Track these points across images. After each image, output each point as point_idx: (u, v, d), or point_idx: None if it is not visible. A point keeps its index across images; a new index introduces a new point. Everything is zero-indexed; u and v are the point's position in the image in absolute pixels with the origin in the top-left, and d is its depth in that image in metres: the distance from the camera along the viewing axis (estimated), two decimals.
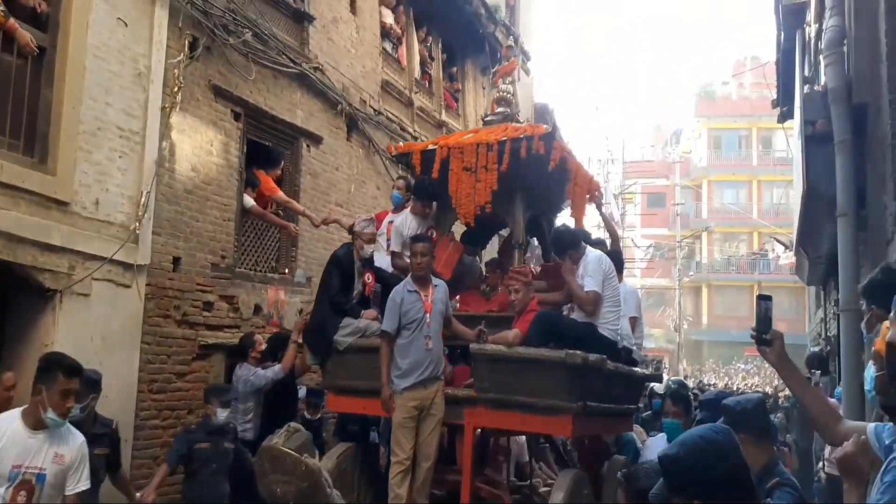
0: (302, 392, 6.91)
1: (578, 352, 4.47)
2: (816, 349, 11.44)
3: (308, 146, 8.21)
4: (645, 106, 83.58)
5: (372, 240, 5.64)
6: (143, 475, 5.75)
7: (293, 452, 4.20)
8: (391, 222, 6.06)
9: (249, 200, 7.29)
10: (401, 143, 7.12)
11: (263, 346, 6.48)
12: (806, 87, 7.60)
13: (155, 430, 6.11)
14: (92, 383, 4.41)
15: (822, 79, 6.32)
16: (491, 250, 7.75)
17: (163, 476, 5.19)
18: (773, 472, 2.72)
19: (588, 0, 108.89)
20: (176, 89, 6.21)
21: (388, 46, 10.34)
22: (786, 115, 11.22)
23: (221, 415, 5.40)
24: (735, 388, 19.06)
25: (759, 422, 2.85)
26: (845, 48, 5.95)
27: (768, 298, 2.37)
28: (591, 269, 5.01)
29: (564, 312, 5.40)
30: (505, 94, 6.25)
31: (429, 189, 5.80)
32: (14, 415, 3.43)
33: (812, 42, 7.92)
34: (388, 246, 5.94)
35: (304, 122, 8.09)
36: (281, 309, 7.55)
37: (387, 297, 5.14)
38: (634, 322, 5.92)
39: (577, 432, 4.86)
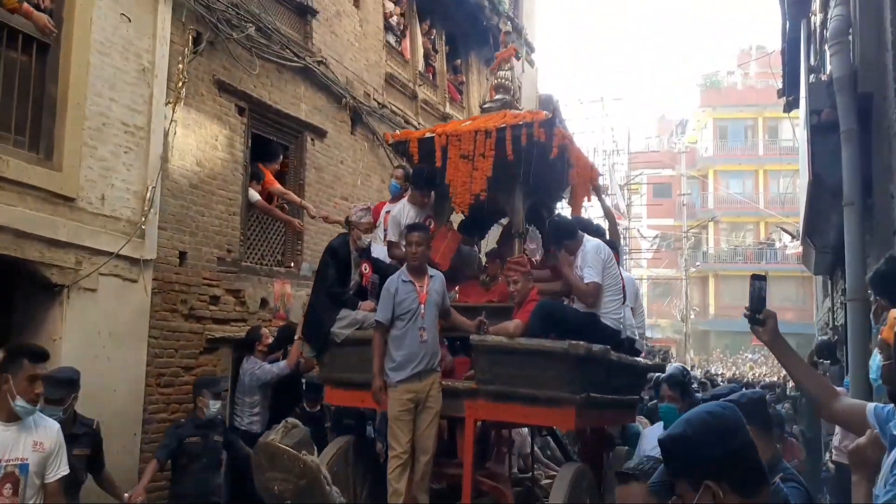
0: None
1: (581, 342, 4.36)
2: (824, 338, 11.41)
3: (312, 140, 8.22)
4: (650, 97, 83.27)
5: (369, 230, 5.57)
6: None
7: (291, 449, 4.05)
8: (388, 212, 5.94)
9: (255, 195, 7.31)
10: (398, 132, 6.97)
11: (269, 340, 6.54)
12: (811, 77, 7.56)
13: (163, 423, 6.15)
14: (70, 383, 4.31)
15: (828, 68, 6.29)
16: (490, 241, 7.72)
17: (152, 473, 5.13)
18: (777, 468, 2.67)
19: None
20: (180, 84, 6.23)
21: (392, 39, 10.33)
22: (791, 105, 11.16)
23: (213, 406, 5.33)
24: (746, 379, 18.99)
25: (761, 415, 2.83)
26: (851, 37, 5.92)
27: (762, 278, 2.37)
28: (589, 260, 4.90)
29: (566, 302, 5.32)
30: (503, 80, 6.13)
31: (427, 178, 5.69)
32: None
33: (817, 31, 7.87)
34: (385, 236, 5.83)
35: (308, 115, 8.10)
36: (287, 302, 7.58)
37: None
38: (633, 312, 5.82)
39: (580, 424, 4.77)
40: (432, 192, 5.82)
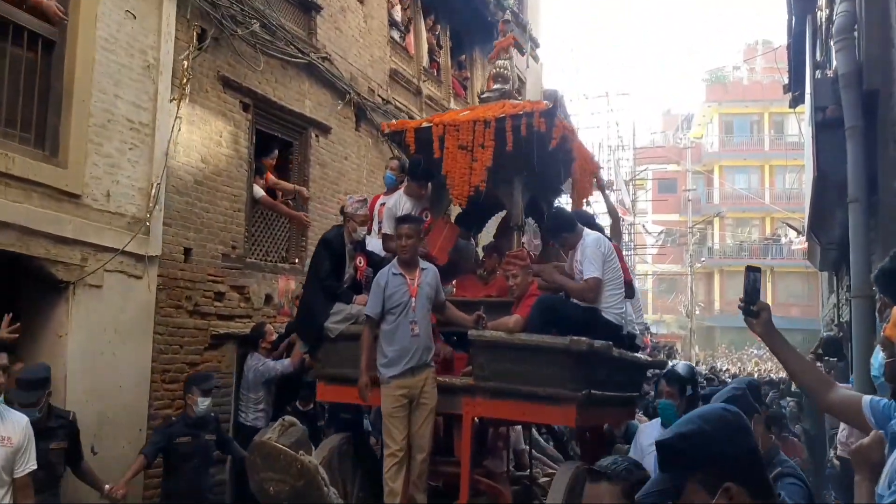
0: None
1: (583, 338, 4.25)
2: (830, 334, 11.37)
3: (317, 136, 8.23)
4: (655, 92, 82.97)
5: (364, 222, 5.45)
6: (156, 463, 5.80)
7: (288, 449, 3.92)
8: (383, 204, 5.81)
9: (259, 191, 7.33)
10: (394, 121, 6.77)
11: (274, 337, 6.55)
12: (817, 73, 7.53)
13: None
14: (42, 382, 4.20)
15: (833, 64, 6.27)
16: (487, 235, 7.65)
17: (138, 468, 5.03)
18: (774, 462, 2.65)
19: None
20: (185, 81, 6.24)
21: (396, 35, 10.33)
22: (798, 100, 11.11)
23: (203, 403, 5.24)
24: (753, 375, 18.92)
25: (752, 405, 2.88)
26: (856, 33, 5.89)
27: (757, 270, 2.37)
28: (589, 254, 4.75)
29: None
30: (502, 69, 5.98)
31: (424, 169, 5.55)
32: None
33: (823, 27, 7.84)
34: (380, 229, 5.70)
35: (312, 111, 8.11)
36: (292, 298, 7.60)
37: None
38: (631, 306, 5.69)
39: (581, 422, 4.64)
40: (429, 184, 5.69)
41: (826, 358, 9.46)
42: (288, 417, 4.29)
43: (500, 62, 6.04)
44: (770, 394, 10.78)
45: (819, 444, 8.90)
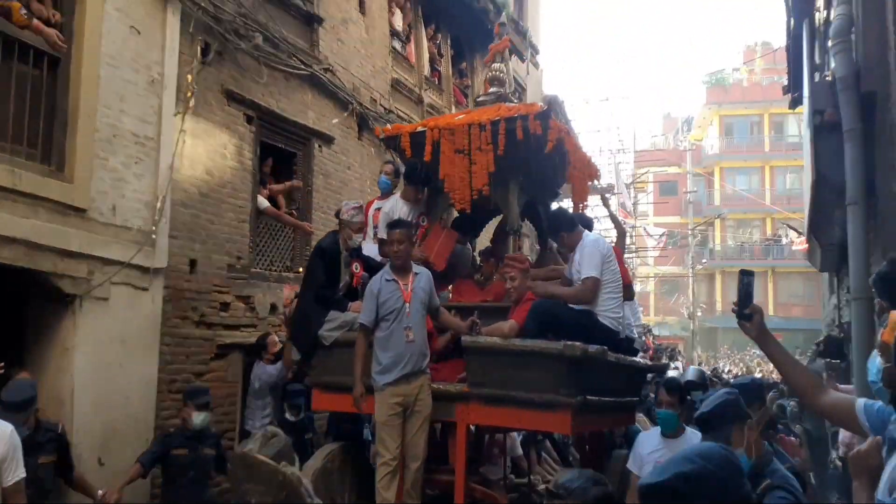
0: None
1: (577, 343, 4.16)
2: (832, 334, 11.36)
3: (320, 146, 8.29)
4: (655, 95, 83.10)
5: (360, 229, 5.38)
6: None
7: (270, 461, 3.82)
8: (379, 209, 5.76)
9: (264, 202, 7.39)
10: (388, 126, 6.70)
11: (277, 348, 6.57)
12: (815, 75, 7.57)
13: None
14: (28, 403, 4.06)
15: (832, 66, 6.29)
16: (483, 240, 7.64)
17: (132, 476, 4.97)
18: (766, 472, 2.57)
19: None
20: (189, 95, 6.29)
21: (398, 45, 10.39)
22: (797, 101, 11.12)
23: (197, 419, 5.13)
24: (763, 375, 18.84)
25: (744, 411, 2.89)
26: (854, 36, 5.92)
27: (750, 273, 2.42)
28: (587, 253, 4.67)
29: None
30: (498, 73, 5.90)
31: (421, 173, 5.49)
32: None
33: (821, 29, 7.87)
34: (376, 234, 5.61)
35: (315, 122, 8.17)
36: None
37: None
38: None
39: (576, 429, 4.60)
40: (425, 189, 5.64)
41: (828, 359, 9.46)
42: (270, 428, 4.25)
43: (495, 65, 5.97)
44: (770, 394, 10.74)
45: (821, 444, 8.89)
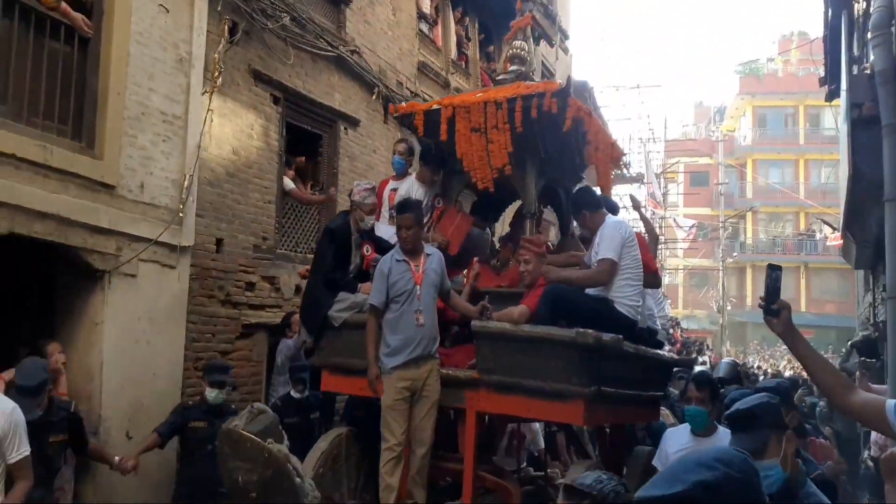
0: None
1: (591, 331, 3.96)
2: (866, 333, 11.13)
3: (346, 129, 8.30)
4: (686, 83, 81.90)
5: (372, 211, 5.28)
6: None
7: (255, 437, 3.71)
8: (394, 190, 5.61)
9: (289, 183, 7.42)
10: (403, 104, 6.46)
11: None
12: (853, 68, 7.37)
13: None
14: (40, 386, 4.01)
15: (870, 59, 6.13)
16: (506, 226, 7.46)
17: (150, 444, 5.00)
18: (801, 496, 2.44)
19: None
20: (217, 74, 6.32)
21: (425, 27, 10.35)
22: (833, 94, 10.88)
23: (210, 395, 5.16)
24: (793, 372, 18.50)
25: (782, 421, 2.76)
26: (894, 29, 5.76)
27: (778, 268, 2.38)
28: (607, 235, 4.47)
29: None
30: (519, 50, 5.66)
31: (437, 154, 5.34)
32: None
33: (860, 21, 7.66)
34: (392, 216, 5.44)
35: (341, 104, 8.18)
36: None
37: None
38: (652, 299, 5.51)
39: (590, 421, 4.39)
40: (441, 170, 5.51)
41: (862, 358, 9.25)
42: (258, 404, 4.08)
43: (517, 42, 5.76)
44: (799, 391, 10.52)
45: (851, 444, 8.72)
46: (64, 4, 4.87)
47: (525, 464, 6.14)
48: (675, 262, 33.66)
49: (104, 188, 5.39)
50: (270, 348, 6.96)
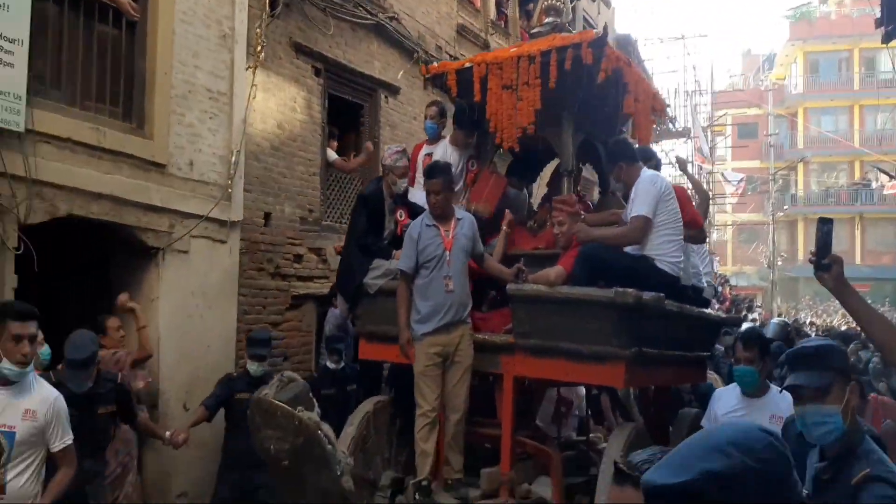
0: None
1: (630, 290, 3.81)
2: None
3: (386, 97, 8.28)
4: (733, 32, 78.93)
5: (404, 174, 5.17)
6: None
7: (284, 405, 3.69)
8: (428, 154, 5.45)
9: (332, 154, 7.48)
10: (434, 63, 6.24)
11: None
12: None
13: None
14: (90, 359, 3.98)
15: None
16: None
17: (198, 418, 5.08)
18: (859, 454, 2.15)
19: None
20: (259, 49, 6.35)
21: None
22: (891, 35, 10.37)
23: (252, 367, 5.22)
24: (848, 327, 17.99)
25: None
26: None
27: (829, 221, 2.33)
28: (641, 190, 4.25)
29: None
30: (554, 2, 5.44)
31: (470, 116, 5.17)
32: None
33: None
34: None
35: (381, 73, 8.15)
36: None
37: None
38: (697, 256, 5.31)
39: (630, 383, 4.30)
40: (475, 132, 5.36)
41: None
42: (287, 373, 4.08)
43: None
44: (851, 346, 10.25)
45: None
46: None
47: (574, 430, 6.08)
48: (723, 218, 32.97)
49: (155, 167, 5.52)
50: (319, 318, 7.10)
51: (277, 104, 6.74)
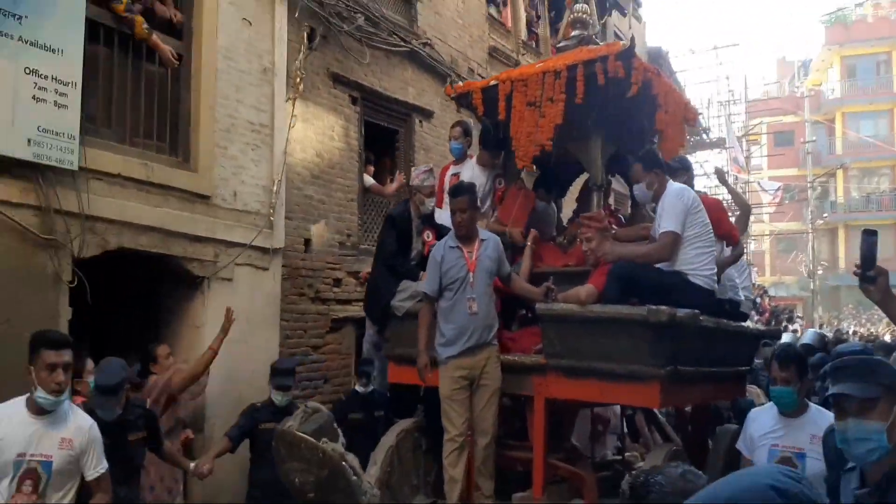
0: None
1: (664, 307, 3.74)
2: None
3: (420, 122, 8.42)
4: (767, 39, 77.89)
5: (432, 193, 5.16)
6: None
7: (309, 438, 3.67)
8: (455, 175, 5.42)
9: (369, 179, 7.62)
10: (460, 83, 6.14)
11: None
12: None
13: (295, 399, 6.57)
14: (119, 385, 3.89)
15: None
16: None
17: (222, 449, 4.91)
18: None
19: None
20: (298, 80, 6.53)
21: (494, 11, 10.30)
22: None
23: (276, 397, 5.08)
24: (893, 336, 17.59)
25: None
26: None
27: (874, 233, 2.31)
28: (668, 204, 4.18)
29: None
30: (580, 14, 5.40)
31: (496, 136, 5.14)
32: (19, 402, 3.24)
33: None
34: None
35: (415, 98, 8.29)
36: None
37: None
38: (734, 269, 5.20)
39: (666, 402, 4.22)
40: (501, 152, 5.30)
41: None
42: (312, 403, 4.06)
43: (577, 6, 5.50)
44: (894, 356, 10.02)
45: None
46: (154, 37, 5.16)
47: (613, 449, 6.03)
48: (760, 228, 32.43)
49: (200, 199, 5.69)
50: (357, 340, 7.21)
51: (316, 133, 6.90)
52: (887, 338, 19.32)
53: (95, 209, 4.88)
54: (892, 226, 32.16)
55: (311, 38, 6.78)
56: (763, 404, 4.57)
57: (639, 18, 16.27)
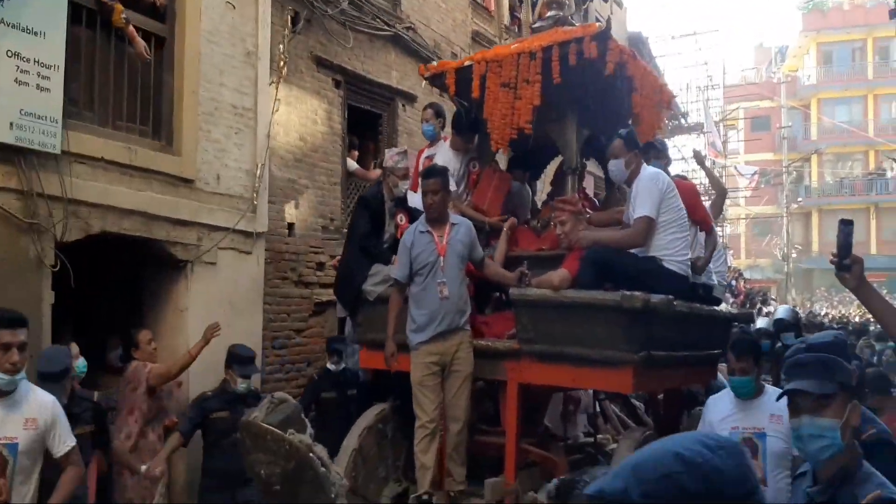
0: None
1: (638, 293, 3.71)
2: None
3: (403, 106, 8.42)
4: (745, 26, 78.29)
5: (406, 175, 5.09)
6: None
7: (274, 429, 3.57)
8: (429, 157, 5.35)
9: (352, 164, 7.63)
10: (433, 63, 6.04)
11: None
12: None
13: (278, 383, 6.63)
14: (62, 373, 3.81)
15: None
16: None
17: (174, 446, 4.75)
18: (861, 477, 2.03)
19: None
20: (282, 64, 6.51)
21: None
22: None
23: (242, 384, 4.91)
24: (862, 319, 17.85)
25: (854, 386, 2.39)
26: None
27: (850, 223, 2.37)
28: (642, 189, 4.11)
29: None
30: None
31: (468, 119, 5.06)
32: None
33: None
34: None
35: (398, 82, 8.29)
36: None
37: None
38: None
39: (639, 387, 4.17)
40: (475, 136, 5.23)
41: None
42: (278, 394, 3.96)
43: None
44: (861, 341, 10.13)
45: None
46: (131, 28, 5.11)
47: (585, 428, 5.93)
48: (736, 212, 32.84)
49: (183, 182, 5.68)
50: (340, 323, 7.25)
51: (299, 117, 6.89)
52: (856, 319, 19.75)
53: (78, 193, 4.85)
54: (865, 210, 32.79)
55: (294, 22, 6.75)
56: None
57: (620, 4, 16.32)
